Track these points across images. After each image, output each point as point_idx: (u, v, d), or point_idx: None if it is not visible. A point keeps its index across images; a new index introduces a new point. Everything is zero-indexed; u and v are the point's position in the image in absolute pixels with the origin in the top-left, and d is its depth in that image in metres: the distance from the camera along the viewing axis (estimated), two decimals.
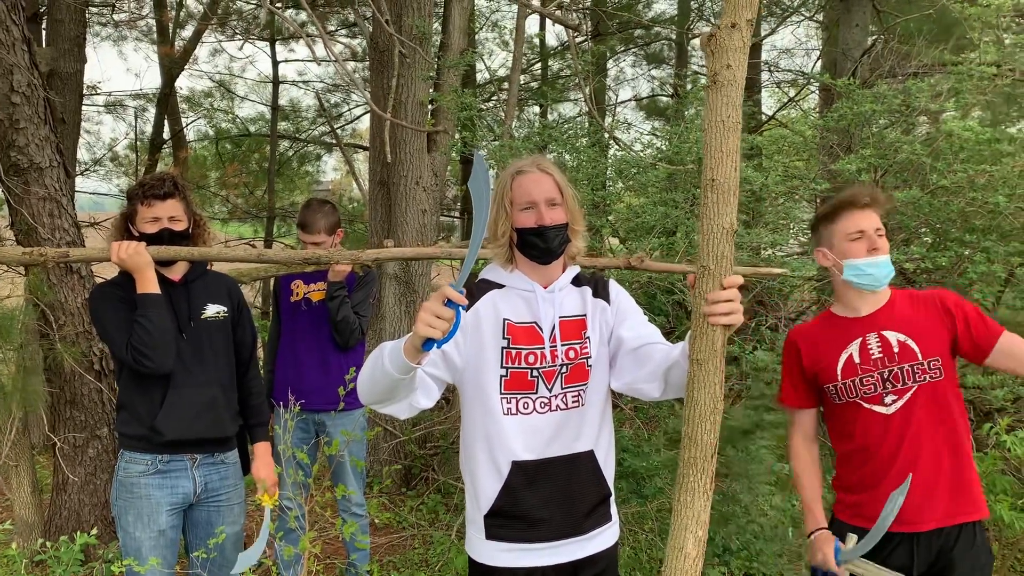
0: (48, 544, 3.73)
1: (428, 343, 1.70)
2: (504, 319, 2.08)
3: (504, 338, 2.07)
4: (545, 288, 2.13)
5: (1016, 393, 4.40)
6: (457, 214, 11.35)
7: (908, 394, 2.32)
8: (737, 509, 3.93)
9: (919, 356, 2.33)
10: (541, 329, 2.08)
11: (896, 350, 2.34)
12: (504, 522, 2.09)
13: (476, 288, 2.14)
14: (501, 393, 2.06)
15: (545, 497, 2.08)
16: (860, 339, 2.38)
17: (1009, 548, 4.07)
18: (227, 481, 2.83)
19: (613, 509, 2.23)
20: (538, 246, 2.09)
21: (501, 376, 2.06)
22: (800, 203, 5.92)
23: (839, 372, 2.38)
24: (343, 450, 3.48)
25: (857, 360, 2.36)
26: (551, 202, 2.09)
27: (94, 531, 3.21)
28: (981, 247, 4.32)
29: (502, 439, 2.07)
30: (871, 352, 2.35)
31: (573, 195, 2.18)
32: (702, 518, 1.69)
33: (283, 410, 3.54)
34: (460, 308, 1.68)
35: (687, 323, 4.41)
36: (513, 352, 2.06)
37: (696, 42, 12.79)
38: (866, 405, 2.36)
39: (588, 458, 2.13)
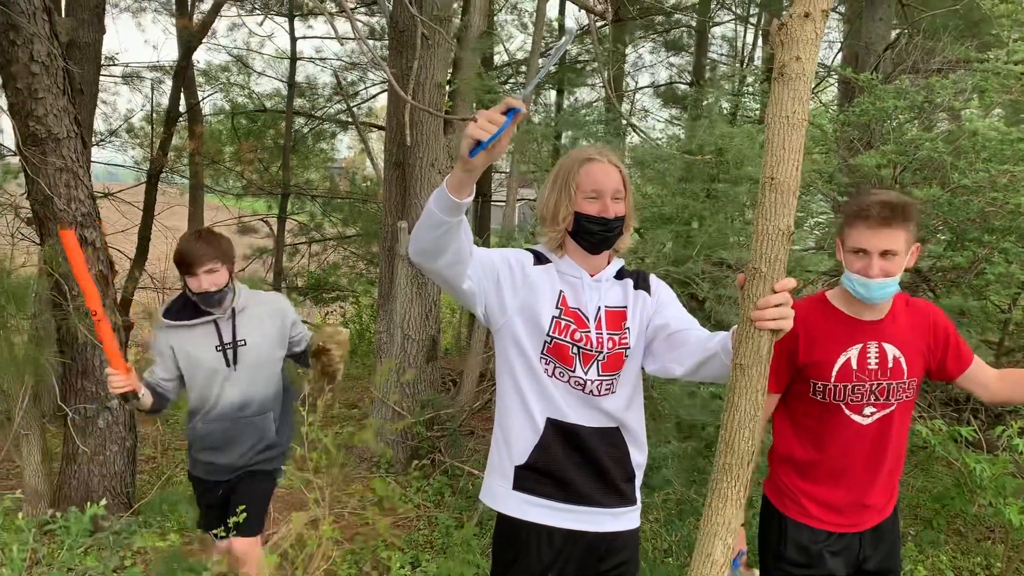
0: (57, 514, 3.75)
1: (475, 150, 1.67)
2: (560, 290, 2.13)
3: (557, 307, 2.11)
4: (592, 277, 2.17)
5: None
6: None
7: (887, 410, 2.30)
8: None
9: (905, 375, 2.29)
10: (586, 317, 2.12)
11: (891, 365, 2.29)
12: (536, 477, 2.13)
13: (536, 254, 2.19)
14: (542, 354, 2.10)
15: (577, 461, 2.12)
16: (861, 345, 2.28)
17: (1016, 550, 4.06)
18: None
19: (638, 493, 2.24)
20: (597, 234, 2.11)
21: (545, 341, 2.09)
22: (816, 196, 5.88)
23: (834, 374, 2.29)
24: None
25: (854, 367, 2.28)
26: (616, 195, 2.11)
27: (103, 502, 3.22)
28: (999, 248, 4.29)
29: (539, 394, 2.11)
30: (868, 362, 2.28)
31: (633, 191, 2.20)
32: (732, 525, 1.65)
33: None
34: (512, 112, 1.66)
35: (700, 314, 4.39)
36: (562, 323, 2.10)
37: (717, 30, 12.69)
38: (846, 412, 2.31)
39: (614, 434, 2.16)
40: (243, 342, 3.06)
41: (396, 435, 5.51)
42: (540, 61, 6.28)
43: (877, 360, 2.28)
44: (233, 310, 3.07)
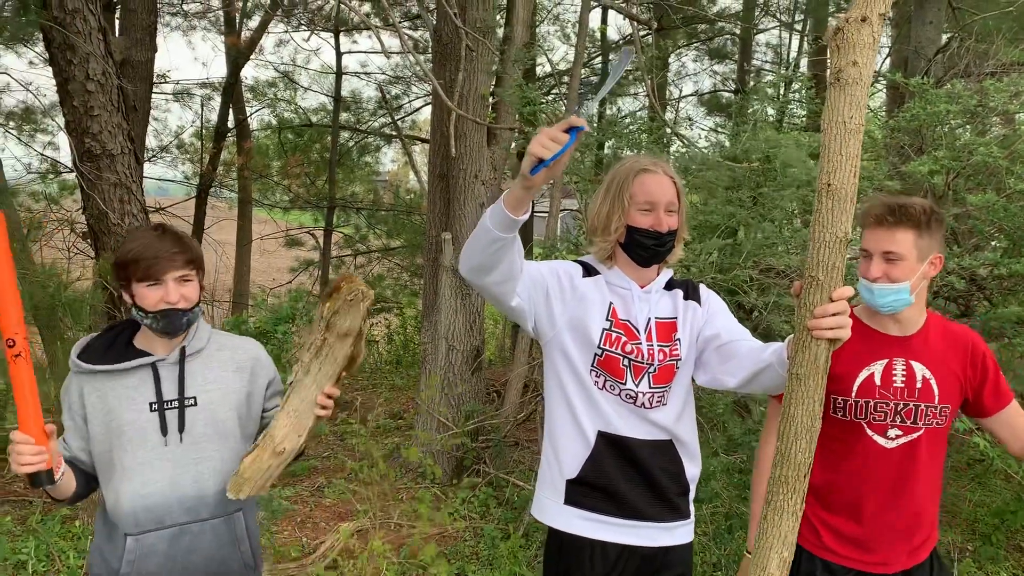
0: None
1: (536, 167, 1.66)
2: (610, 302, 2.12)
3: (607, 320, 2.09)
4: (642, 288, 2.15)
5: None
6: None
7: (914, 434, 2.13)
8: None
9: (936, 399, 2.13)
10: (636, 328, 2.10)
11: (919, 386, 2.13)
12: (587, 491, 2.11)
13: (585, 266, 2.18)
14: (592, 367, 2.09)
15: (630, 475, 2.10)
16: (887, 361, 2.14)
17: None
18: None
19: (691, 507, 2.21)
20: (648, 248, 2.09)
21: (595, 354, 2.08)
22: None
23: (855, 389, 2.15)
24: None
25: (878, 383, 2.14)
26: (670, 207, 2.09)
27: None
28: None
29: (589, 406, 2.10)
30: (894, 379, 2.14)
31: (687, 203, 2.17)
32: (789, 539, 1.62)
33: None
34: (575, 131, 1.65)
35: (748, 323, 4.33)
36: (613, 335, 2.08)
37: (761, 38, 12.58)
38: (869, 432, 2.15)
39: (668, 447, 2.14)
40: (191, 401, 2.03)
41: (441, 446, 5.52)
42: (583, 71, 6.28)
43: (904, 378, 2.14)
44: (183, 351, 2.05)
